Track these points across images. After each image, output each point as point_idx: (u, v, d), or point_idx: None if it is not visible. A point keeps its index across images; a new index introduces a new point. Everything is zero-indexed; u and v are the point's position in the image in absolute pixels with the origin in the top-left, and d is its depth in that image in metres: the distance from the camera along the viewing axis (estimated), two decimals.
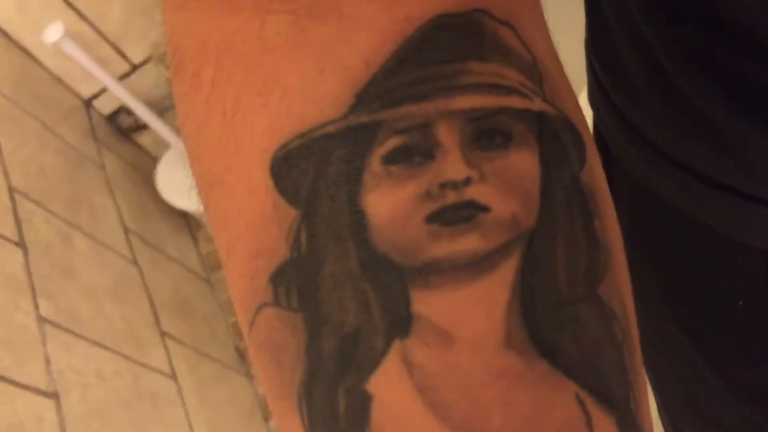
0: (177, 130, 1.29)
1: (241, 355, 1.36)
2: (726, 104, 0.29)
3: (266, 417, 1.29)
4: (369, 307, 0.15)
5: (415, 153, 0.15)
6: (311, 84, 0.16)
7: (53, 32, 1.10)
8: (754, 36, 0.26)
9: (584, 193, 0.17)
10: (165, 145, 1.39)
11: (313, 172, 0.16)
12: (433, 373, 0.14)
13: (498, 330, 0.14)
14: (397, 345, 0.14)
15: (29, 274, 0.90)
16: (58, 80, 1.28)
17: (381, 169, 0.15)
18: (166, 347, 1.12)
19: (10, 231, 0.91)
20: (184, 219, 1.47)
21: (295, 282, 0.16)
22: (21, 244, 0.92)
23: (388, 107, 0.15)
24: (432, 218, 0.15)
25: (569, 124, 0.17)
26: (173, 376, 1.10)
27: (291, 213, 0.16)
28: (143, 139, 1.42)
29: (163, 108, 1.36)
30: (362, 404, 0.14)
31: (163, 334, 1.14)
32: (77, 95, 1.32)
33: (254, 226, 0.17)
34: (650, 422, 0.17)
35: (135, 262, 1.18)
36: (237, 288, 0.18)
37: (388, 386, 0.14)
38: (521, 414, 0.14)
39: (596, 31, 0.39)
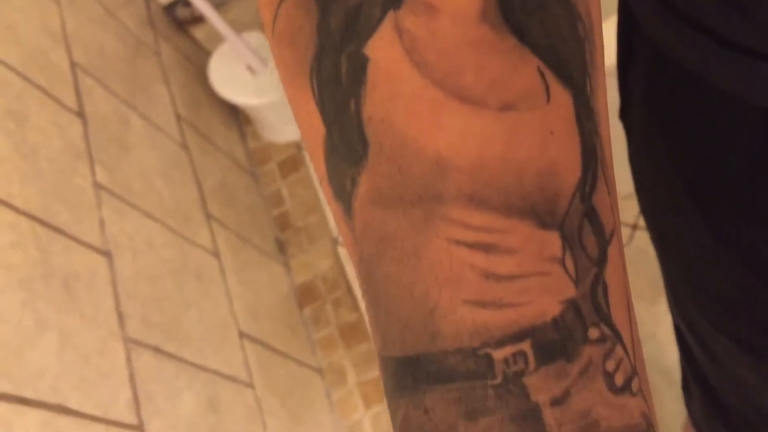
0: (231, 25, 1.32)
1: (281, 246, 1.42)
2: None
3: (301, 305, 1.36)
4: None
5: None
6: None
7: None
8: None
9: None
10: (219, 40, 1.42)
11: None
12: (419, 37, 0.17)
13: (475, 5, 0.17)
14: (390, 15, 0.17)
15: (88, 143, 0.96)
16: None
17: None
18: (211, 228, 1.18)
19: (71, 101, 0.96)
20: (234, 114, 1.52)
21: None
22: (81, 114, 0.97)
23: None
24: None
25: None
26: (217, 255, 1.16)
27: None
28: (198, 32, 1.46)
29: (219, 2, 1.39)
30: (361, 66, 0.17)
31: (209, 216, 1.20)
32: None
33: None
34: (606, 114, 0.19)
35: (186, 147, 1.23)
36: None
37: (382, 49, 0.17)
38: (490, 75, 0.16)
39: None
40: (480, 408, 0.16)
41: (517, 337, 0.16)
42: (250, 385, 1.10)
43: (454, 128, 0.16)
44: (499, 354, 0.16)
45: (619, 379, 0.16)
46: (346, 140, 0.17)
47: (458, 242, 0.16)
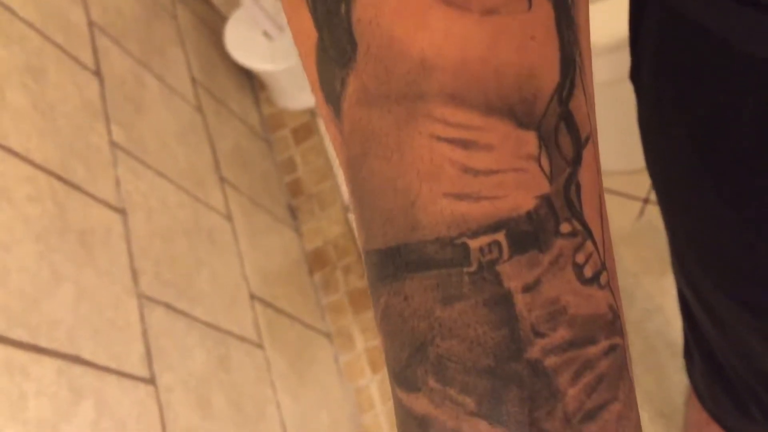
0: None
1: (293, 212, 1.43)
2: None
3: (311, 271, 1.38)
4: None
5: None
6: None
7: None
8: None
9: None
10: (235, 4, 1.43)
11: None
12: None
13: None
14: None
15: (104, 102, 0.98)
16: None
17: None
18: (224, 191, 1.20)
19: (88, 60, 0.98)
20: (248, 79, 1.53)
21: None
22: (97, 73, 0.99)
23: None
24: None
25: None
26: (229, 217, 1.18)
27: None
28: None
29: None
30: None
31: (222, 180, 1.21)
32: None
33: None
34: (587, 27, 0.20)
35: (200, 111, 1.24)
36: None
37: None
38: None
39: None
40: (456, 293, 0.17)
41: (493, 227, 0.17)
42: (260, 346, 1.12)
43: (439, 30, 0.17)
44: (475, 243, 0.17)
45: (588, 272, 0.17)
46: (336, 43, 0.18)
47: (439, 138, 0.17)
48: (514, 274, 0.17)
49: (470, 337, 0.17)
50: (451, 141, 0.17)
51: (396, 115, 0.17)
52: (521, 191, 0.17)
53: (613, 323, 0.18)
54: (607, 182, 1.31)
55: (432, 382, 0.17)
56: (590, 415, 0.17)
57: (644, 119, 0.50)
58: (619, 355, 0.18)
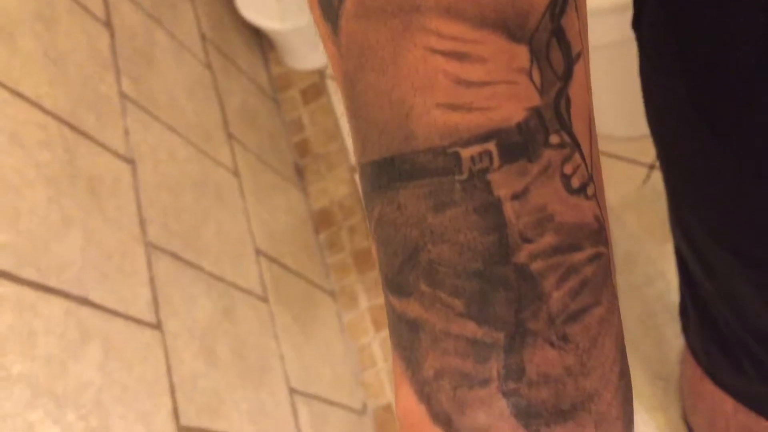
0: None
1: (300, 172, 1.44)
2: None
3: (317, 230, 1.39)
4: None
5: None
6: None
7: None
8: None
9: None
10: None
11: None
12: None
13: None
14: None
15: (114, 53, 0.98)
16: None
17: None
18: (232, 148, 1.21)
19: (99, 11, 0.98)
20: (258, 38, 1.53)
21: None
22: (108, 24, 0.99)
23: None
24: None
25: None
26: (237, 174, 1.19)
27: None
28: None
29: None
30: None
31: (230, 136, 1.22)
32: None
33: None
34: None
35: (209, 67, 1.25)
36: None
37: None
38: None
39: None
40: (447, 201, 0.18)
41: (484, 137, 0.18)
42: (265, 300, 1.14)
43: None
44: (466, 152, 0.18)
45: (575, 182, 0.18)
46: None
47: (434, 50, 0.18)
48: (503, 183, 0.18)
49: (460, 242, 0.18)
50: (445, 53, 0.18)
51: (391, 28, 0.18)
52: (512, 103, 0.18)
53: (598, 233, 0.19)
54: (612, 148, 1.31)
55: (423, 287, 0.18)
56: (573, 317, 0.18)
57: (644, 69, 0.51)
58: (603, 262, 0.19)
